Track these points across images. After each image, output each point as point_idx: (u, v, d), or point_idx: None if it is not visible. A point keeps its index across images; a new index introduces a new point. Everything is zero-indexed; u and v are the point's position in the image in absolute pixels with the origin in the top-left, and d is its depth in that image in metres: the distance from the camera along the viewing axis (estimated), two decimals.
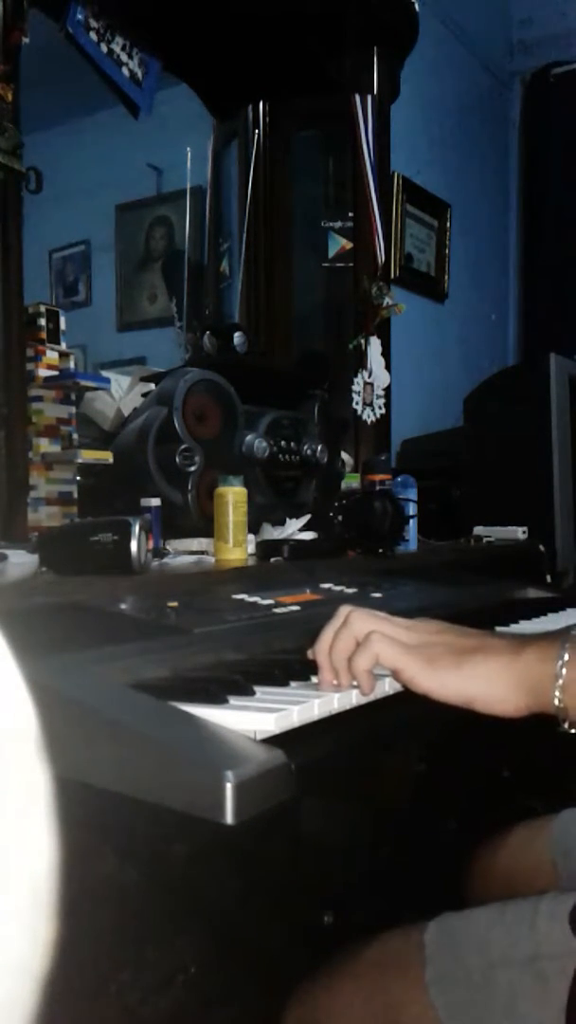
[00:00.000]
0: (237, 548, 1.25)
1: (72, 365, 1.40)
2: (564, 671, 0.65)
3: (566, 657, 0.66)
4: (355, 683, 0.75)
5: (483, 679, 0.69)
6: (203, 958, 0.79)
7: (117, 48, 1.60)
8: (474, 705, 0.69)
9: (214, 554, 1.26)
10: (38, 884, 0.22)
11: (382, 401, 1.95)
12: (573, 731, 0.67)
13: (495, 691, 0.68)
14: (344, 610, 0.77)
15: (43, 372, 1.35)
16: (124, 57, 1.61)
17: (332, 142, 2.10)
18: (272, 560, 1.27)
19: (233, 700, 0.69)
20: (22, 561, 1.07)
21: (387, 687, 0.79)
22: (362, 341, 1.91)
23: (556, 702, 0.66)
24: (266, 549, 1.30)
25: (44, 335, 1.35)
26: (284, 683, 0.76)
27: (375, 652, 0.73)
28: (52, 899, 0.23)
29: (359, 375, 1.90)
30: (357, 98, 1.89)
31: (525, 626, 1.17)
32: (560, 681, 0.65)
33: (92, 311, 3.46)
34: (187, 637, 0.85)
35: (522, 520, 1.99)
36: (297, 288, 2.13)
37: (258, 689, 0.72)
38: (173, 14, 1.64)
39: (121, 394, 1.59)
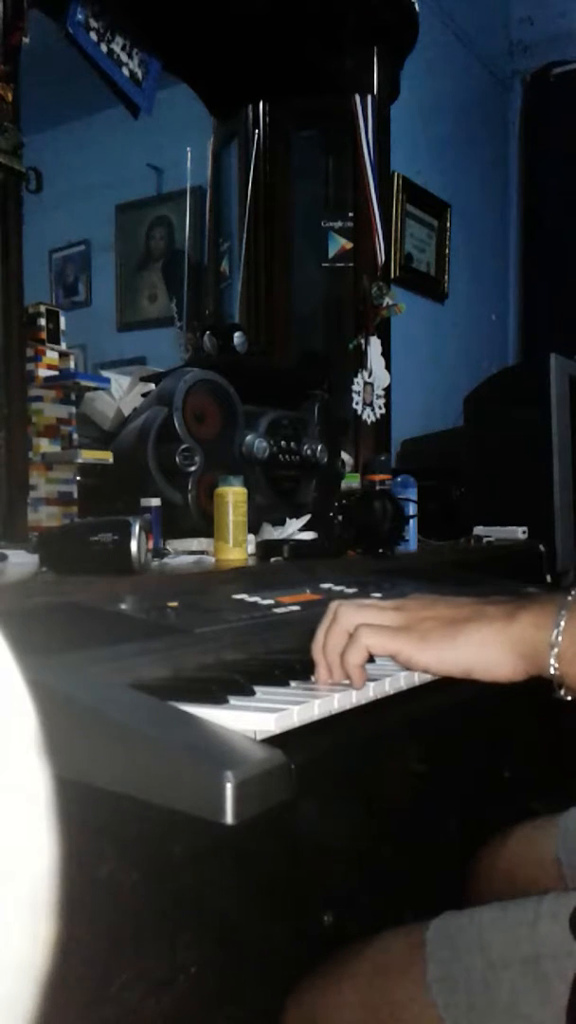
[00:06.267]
0: (237, 548, 1.25)
1: (72, 365, 1.40)
2: (560, 639, 0.64)
3: (562, 624, 0.64)
4: (347, 680, 0.75)
5: (477, 647, 0.68)
6: (203, 958, 0.79)
7: (117, 48, 1.60)
8: (473, 674, 0.68)
9: (214, 554, 1.26)
10: (38, 884, 0.22)
11: (382, 401, 1.95)
12: (569, 698, 0.66)
13: (491, 657, 0.67)
14: (333, 606, 0.76)
15: (43, 372, 1.35)
16: (124, 57, 1.61)
17: (332, 142, 2.10)
18: (272, 560, 1.27)
19: (233, 700, 0.69)
20: (22, 561, 1.07)
21: (387, 687, 0.79)
22: (362, 341, 1.91)
23: (552, 670, 0.65)
24: (266, 549, 1.30)
25: (44, 335, 1.35)
26: (284, 683, 0.76)
27: (364, 645, 0.72)
28: (52, 899, 0.23)
29: (359, 375, 1.90)
30: (357, 98, 1.89)
31: None
32: (556, 649, 0.64)
33: (92, 311, 3.46)
34: (187, 637, 0.85)
35: (522, 520, 1.99)
36: (297, 288, 2.13)
37: (258, 689, 0.72)
38: (173, 14, 1.64)
39: (121, 394, 1.59)
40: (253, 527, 1.38)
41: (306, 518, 1.47)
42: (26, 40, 1.22)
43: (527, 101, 3.53)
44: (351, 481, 1.76)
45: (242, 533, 1.26)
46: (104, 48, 1.57)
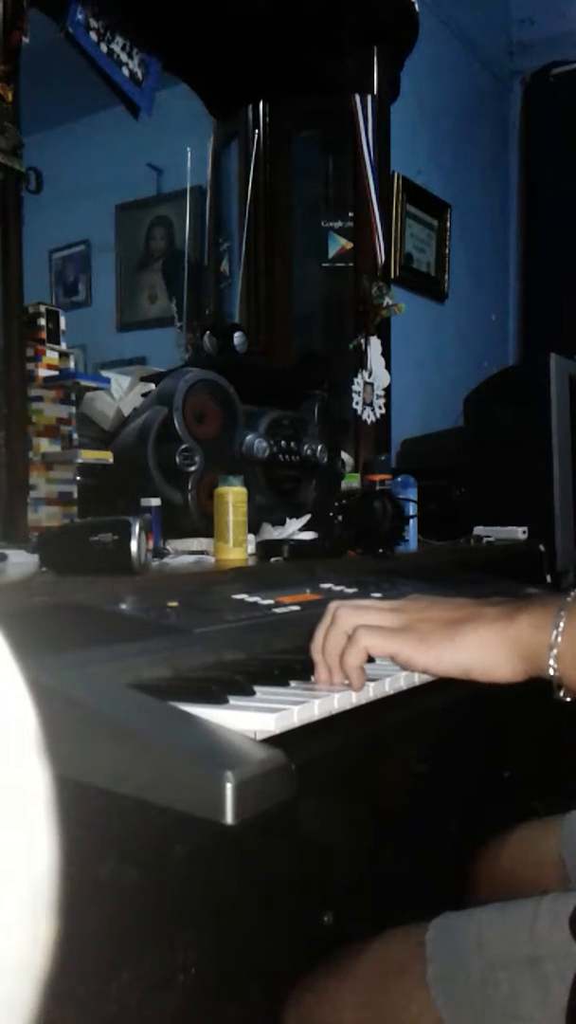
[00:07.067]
0: (237, 548, 1.25)
1: (72, 365, 1.40)
2: (559, 640, 0.64)
3: (561, 626, 0.64)
4: (346, 681, 0.75)
5: (476, 647, 0.68)
6: (203, 958, 0.79)
7: (117, 48, 1.60)
8: (472, 675, 0.68)
9: (214, 554, 1.26)
10: (38, 884, 0.22)
11: (382, 401, 1.95)
12: (568, 699, 0.66)
13: (490, 658, 0.67)
14: (332, 607, 0.76)
15: (43, 372, 1.35)
16: (124, 57, 1.61)
17: (332, 142, 2.10)
18: (272, 560, 1.27)
19: (233, 700, 0.69)
20: (22, 561, 1.07)
21: (387, 687, 0.79)
22: (362, 341, 1.91)
23: (550, 671, 0.65)
24: (266, 549, 1.30)
25: (44, 335, 1.35)
26: (284, 683, 0.76)
27: (363, 647, 0.72)
28: (52, 899, 0.23)
29: (359, 375, 1.90)
30: (357, 98, 1.89)
31: None
32: (555, 650, 0.64)
33: (92, 311, 3.46)
34: (187, 637, 0.85)
35: (522, 520, 1.99)
36: (297, 288, 2.13)
37: (258, 689, 0.72)
38: (173, 14, 1.64)
39: (121, 394, 1.59)
40: (253, 527, 1.38)
41: (306, 518, 1.47)
42: (26, 40, 1.23)
43: (527, 101, 3.53)
44: (351, 481, 1.76)
45: (242, 533, 1.26)
46: (104, 48, 1.57)
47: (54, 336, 1.36)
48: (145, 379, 1.60)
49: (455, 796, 1.23)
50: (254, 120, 2.05)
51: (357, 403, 1.90)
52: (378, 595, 1.16)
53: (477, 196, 3.32)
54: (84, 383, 1.40)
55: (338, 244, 2.09)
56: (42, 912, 0.22)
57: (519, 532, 1.96)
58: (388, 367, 1.95)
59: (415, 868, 1.09)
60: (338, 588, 1.17)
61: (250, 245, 2.01)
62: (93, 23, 1.54)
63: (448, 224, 3.04)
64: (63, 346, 1.38)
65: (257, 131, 2.03)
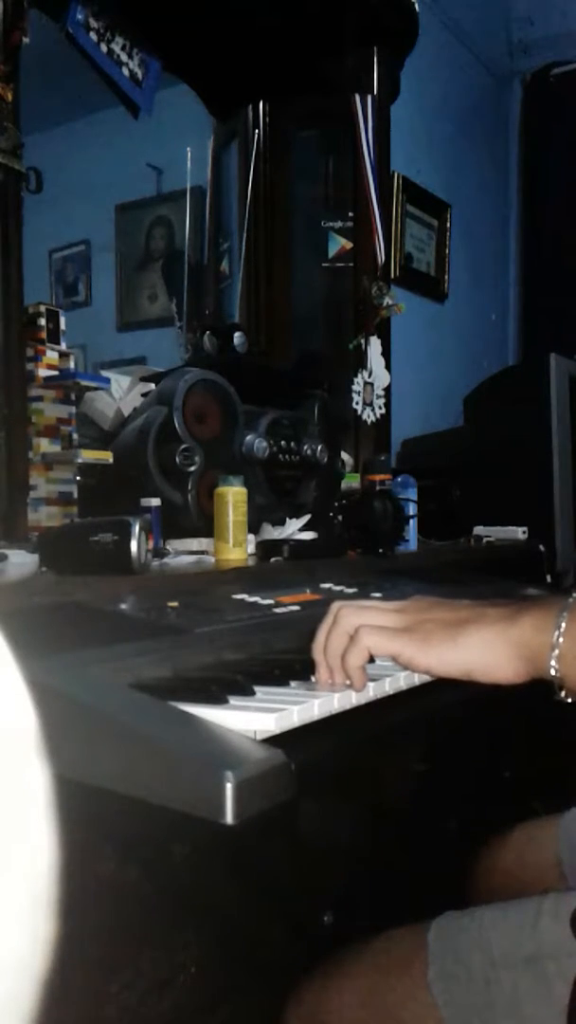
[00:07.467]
0: (237, 548, 1.25)
1: (72, 365, 1.40)
2: (560, 640, 0.65)
3: (563, 627, 0.65)
4: (348, 681, 0.75)
5: (478, 648, 0.68)
6: (203, 958, 0.79)
7: (117, 48, 1.60)
8: (473, 675, 0.69)
9: (214, 554, 1.26)
10: (38, 884, 0.22)
11: (382, 401, 1.95)
12: (569, 700, 0.67)
13: (491, 659, 0.68)
14: (335, 607, 0.76)
15: (43, 372, 1.35)
16: (124, 57, 1.61)
17: (332, 142, 2.10)
18: (272, 560, 1.27)
19: (233, 700, 0.69)
20: (22, 561, 1.07)
21: (387, 687, 0.79)
22: (362, 341, 1.91)
23: (552, 672, 0.65)
24: (266, 549, 1.30)
25: (44, 335, 1.35)
26: (284, 683, 0.76)
27: (365, 646, 0.72)
28: (52, 899, 0.23)
29: (359, 375, 1.90)
30: (357, 98, 1.89)
31: None
32: (556, 651, 0.65)
33: (92, 311, 3.46)
34: (187, 637, 0.85)
35: (522, 520, 1.99)
36: (297, 288, 2.13)
37: (258, 689, 0.72)
38: (173, 14, 1.64)
39: (121, 394, 1.59)
40: (253, 527, 1.38)
41: (306, 518, 1.47)
42: (26, 40, 1.23)
43: (527, 101, 3.53)
44: (351, 481, 1.76)
45: (242, 533, 1.26)
46: (104, 48, 1.57)
47: (54, 336, 1.36)
48: (145, 379, 1.60)
49: (455, 796, 1.23)
50: (254, 120, 2.05)
51: (357, 403, 1.90)
52: (378, 595, 1.16)
53: (477, 196, 3.31)
54: (84, 383, 1.40)
55: (338, 244, 2.09)
56: (42, 912, 0.22)
57: (519, 532, 1.96)
58: (388, 367, 1.95)
59: (415, 868, 1.09)
60: (338, 588, 1.17)
61: (250, 245, 2.01)
62: (93, 23, 1.54)
63: (448, 224, 3.04)
64: (63, 346, 1.38)
65: (257, 131, 2.03)
